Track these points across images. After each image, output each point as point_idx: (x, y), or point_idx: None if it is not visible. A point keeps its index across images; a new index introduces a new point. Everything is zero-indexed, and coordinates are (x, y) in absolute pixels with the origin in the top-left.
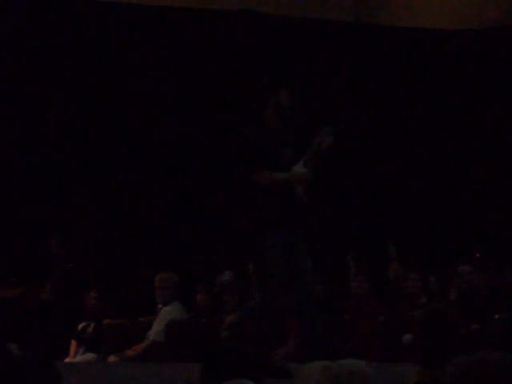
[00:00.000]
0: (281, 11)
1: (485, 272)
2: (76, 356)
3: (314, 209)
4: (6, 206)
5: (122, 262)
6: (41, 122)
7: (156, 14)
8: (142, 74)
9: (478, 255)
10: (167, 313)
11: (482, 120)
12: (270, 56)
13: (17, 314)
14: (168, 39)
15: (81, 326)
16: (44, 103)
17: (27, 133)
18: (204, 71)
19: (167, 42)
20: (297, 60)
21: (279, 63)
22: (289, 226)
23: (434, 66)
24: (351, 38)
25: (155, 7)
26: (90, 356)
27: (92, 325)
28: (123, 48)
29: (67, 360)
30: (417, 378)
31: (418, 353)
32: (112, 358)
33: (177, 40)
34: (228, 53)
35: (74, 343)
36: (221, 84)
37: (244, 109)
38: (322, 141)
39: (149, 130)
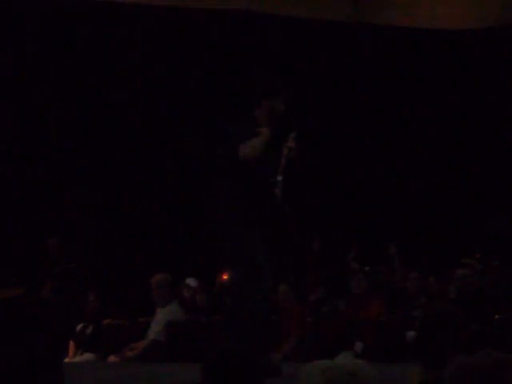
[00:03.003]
0: (281, 11)
1: (484, 273)
2: (75, 357)
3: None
4: (6, 206)
5: (122, 262)
6: (41, 123)
7: (156, 15)
8: (141, 75)
9: (478, 255)
10: (165, 313)
11: (482, 120)
12: (270, 56)
13: (17, 313)
14: (168, 39)
15: (79, 327)
16: (44, 103)
17: (27, 133)
18: (204, 71)
19: (167, 42)
20: (296, 60)
21: (279, 63)
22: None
23: (433, 66)
24: (351, 38)
25: (155, 7)
26: (88, 357)
27: (91, 326)
28: (123, 48)
29: (67, 360)
30: (419, 378)
31: (421, 353)
32: (112, 358)
33: (177, 40)
34: (228, 53)
35: (72, 344)
36: (221, 84)
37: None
38: (291, 147)
39: (148, 130)
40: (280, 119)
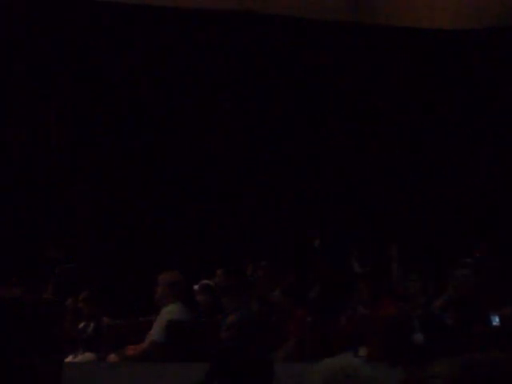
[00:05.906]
0: (281, 12)
1: (483, 272)
2: (75, 357)
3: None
4: (6, 206)
5: (122, 262)
6: (41, 125)
7: (156, 15)
8: (141, 75)
9: (477, 255)
10: (167, 313)
11: (483, 120)
12: (270, 56)
13: (17, 313)
14: (169, 40)
15: (80, 326)
16: (45, 105)
17: (28, 135)
18: (204, 72)
19: (169, 43)
20: (297, 60)
21: (279, 63)
22: None
23: (433, 66)
24: (351, 38)
25: (155, 7)
26: (88, 356)
27: (92, 325)
28: (124, 49)
29: (67, 360)
30: (403, 377)
31: (402, 353)
32: (112, 358)
33: (177, 41)
34: (228, 53)
35: (73, 344)
36: (221, 84)
37: None
38: None
39: (148, 131)
40: None
